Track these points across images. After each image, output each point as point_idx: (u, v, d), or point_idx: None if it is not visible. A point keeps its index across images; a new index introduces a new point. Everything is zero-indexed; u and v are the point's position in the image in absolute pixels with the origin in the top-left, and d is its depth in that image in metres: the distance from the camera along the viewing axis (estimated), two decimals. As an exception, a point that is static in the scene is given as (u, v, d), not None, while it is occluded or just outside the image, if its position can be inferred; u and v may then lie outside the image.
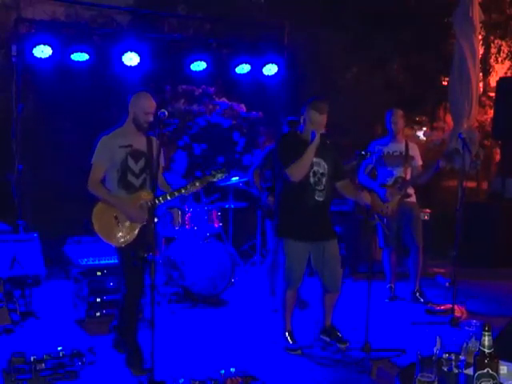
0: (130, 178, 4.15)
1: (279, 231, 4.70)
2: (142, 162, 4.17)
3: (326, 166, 4.60)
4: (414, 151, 6.05)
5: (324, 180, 4.59)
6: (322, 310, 4.87)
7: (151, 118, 4.15)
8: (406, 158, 5.94)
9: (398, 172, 5.92)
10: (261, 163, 5.91)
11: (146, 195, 4.16)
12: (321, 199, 4.58)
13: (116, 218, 4.11)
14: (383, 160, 5.95)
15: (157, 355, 3.66)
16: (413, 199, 6.02)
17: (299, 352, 4.60)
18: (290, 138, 4.74)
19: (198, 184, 4.30)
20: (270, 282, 5.79)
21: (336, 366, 4.41)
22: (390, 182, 5.92)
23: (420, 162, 6.08)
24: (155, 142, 4.33)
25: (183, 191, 4.27)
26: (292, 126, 5.52)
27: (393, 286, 6.16)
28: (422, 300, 5.97)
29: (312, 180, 4.54)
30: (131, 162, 4.15)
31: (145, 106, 4.16)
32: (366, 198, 4.59)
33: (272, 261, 5.68)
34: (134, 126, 4.19)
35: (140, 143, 4.18)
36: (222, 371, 3.91)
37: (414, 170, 6.00)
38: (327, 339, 4.76)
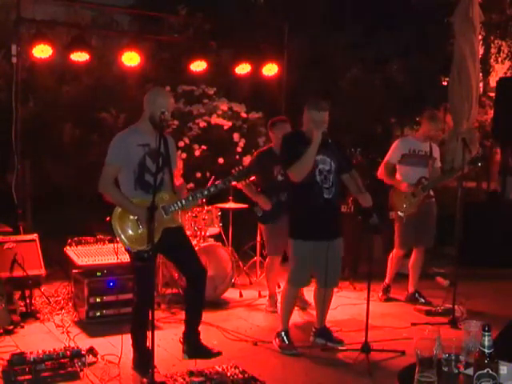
0: (148, 177, 4.03)
1: (291, 232, 4.65)
2: (159, 162, 4.03)
3: (331, 163, 4.57)
4: (436, 153, 5.96)
5: (331, 177, 4.56)
6: (317, 311, 4.86)
7: (168, 116, 4.02)
8: (430, 159, 5.85)
9: (423, 172, 5.83)
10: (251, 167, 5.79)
11: (167, 198, 4.08)
12: (329, 196, 4.54)
13: (138, 220, 4.00)
14: (408, 159, 5.82)
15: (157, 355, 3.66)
16: (433, 199, 5.97)
17: (295, 352, 4.58)
18: (293, 138, 4.72)
19: (219, 186, 4.22)
20: (269, 285, 5.77)
21: (336, 366, 4.41)
22: (414, 181, 5.81)
23: (439, 164, 6.02)
24: (171, 140, 4.28)
25: (206, 193, 4.20)
26: None
27: (390, 286, 6.16)
28: (422, 300, 5.97)
29: (318, 178, 4.51)
30: (149, 162, 4.03)
31: (162, 103, 4.01)
32: (367, 200, 4.58)
33: (270, 264, 5.66)
34: (151, 125, 4.06)
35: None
36: (222, 371, 3.92)
37: (435, 172, 5.90)
38: (323, 341, 4.76)
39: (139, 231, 4.00)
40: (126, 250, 4.18)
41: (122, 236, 4.02)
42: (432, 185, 5.85)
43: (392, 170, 5.91)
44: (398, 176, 5.91)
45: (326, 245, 4.50)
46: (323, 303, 4.76)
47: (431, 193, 5.92)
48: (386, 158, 5.91)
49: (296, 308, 5.49)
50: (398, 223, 5.88)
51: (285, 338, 4.68)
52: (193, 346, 4.34)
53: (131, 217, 4.01)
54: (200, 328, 4.40)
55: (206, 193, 4.21)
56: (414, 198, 5.77)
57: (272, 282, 5.72)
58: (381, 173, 5.86)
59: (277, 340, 4.70)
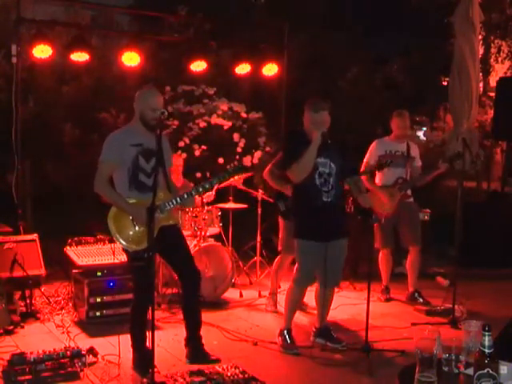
0: (142, 177, 4.03)
1: (294, 231, 4.68)
2: (153, 162, 4.02)
3: (333, 166, 4.53)
4: (415, 152, 6.06)
5: (332, 180, 4.51)
6: (318, 311, 4.85)
7: (158, 115, 3.98)
8: (407, 159, 5.94)
9: (400, 173, 5.92)
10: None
11: (162, 197, 4.06)
12: (328, 200, 4.50)
13: (133, 220, 4.01)
14: (384, 160, 5.90)
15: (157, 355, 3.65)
16: (411, 199, 6.02)
17: (296, 351, 4.59)
18: (295, 137, 4.69)
19: (213, 182, 4.23)
20: (273, 282, 5.76)
21: (336, 366, 4.41)
22: (391, 182, 5.92)
23: (420, 163, 6.09)
24: (165, 139, 4.25)
25: (201, 190, 4.18)
26: None
27: (388, 286, 6.16)
28: (420, 300, 5.97)
29: (318, 181, 4.49)
30: (142, 162, 4.03)
31: (151, 102, 4.02)
32: (366, 200, 4.58)
33: (280, 261, 5.65)
34: (142, 124, 4.07)
35: (150, 142, 4.00)
36: (222, 371, 3.92)
37: (415, 171, 6.00)
38: (322, 341, 4.75)
39: (135, 231, 4.01)
40: (123, 249, 4.19)
41: (118, 236, 4.02)
42: (409, 185, 5.92)
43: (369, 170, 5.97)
44: (377, 178, 5.99)
45: (324, 246, 4.49)
46: (323, 302, 4.76)
47: (409, 193, 5.97)
48: (366, 160, 5.99)
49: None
50: (376, 224, 5.89)
51: (287, 336, 4.68)
52: (194, 351, 4.33)
53: (126, 216, 4.01)
54: (201, 332, 4.39)
55: (200, 189, 4.20)
56: (391, 198, 5.83)
57: (277, 279, 5.71)
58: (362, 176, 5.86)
59: (279, 338, 4.71)
